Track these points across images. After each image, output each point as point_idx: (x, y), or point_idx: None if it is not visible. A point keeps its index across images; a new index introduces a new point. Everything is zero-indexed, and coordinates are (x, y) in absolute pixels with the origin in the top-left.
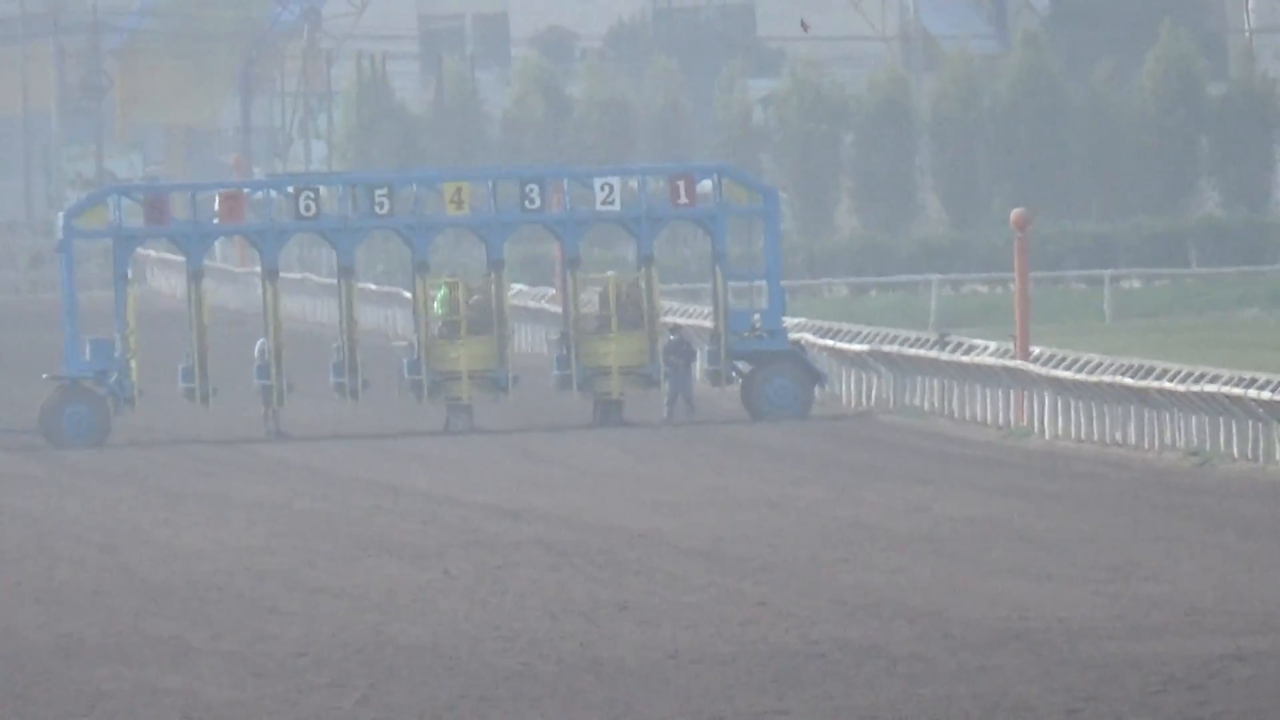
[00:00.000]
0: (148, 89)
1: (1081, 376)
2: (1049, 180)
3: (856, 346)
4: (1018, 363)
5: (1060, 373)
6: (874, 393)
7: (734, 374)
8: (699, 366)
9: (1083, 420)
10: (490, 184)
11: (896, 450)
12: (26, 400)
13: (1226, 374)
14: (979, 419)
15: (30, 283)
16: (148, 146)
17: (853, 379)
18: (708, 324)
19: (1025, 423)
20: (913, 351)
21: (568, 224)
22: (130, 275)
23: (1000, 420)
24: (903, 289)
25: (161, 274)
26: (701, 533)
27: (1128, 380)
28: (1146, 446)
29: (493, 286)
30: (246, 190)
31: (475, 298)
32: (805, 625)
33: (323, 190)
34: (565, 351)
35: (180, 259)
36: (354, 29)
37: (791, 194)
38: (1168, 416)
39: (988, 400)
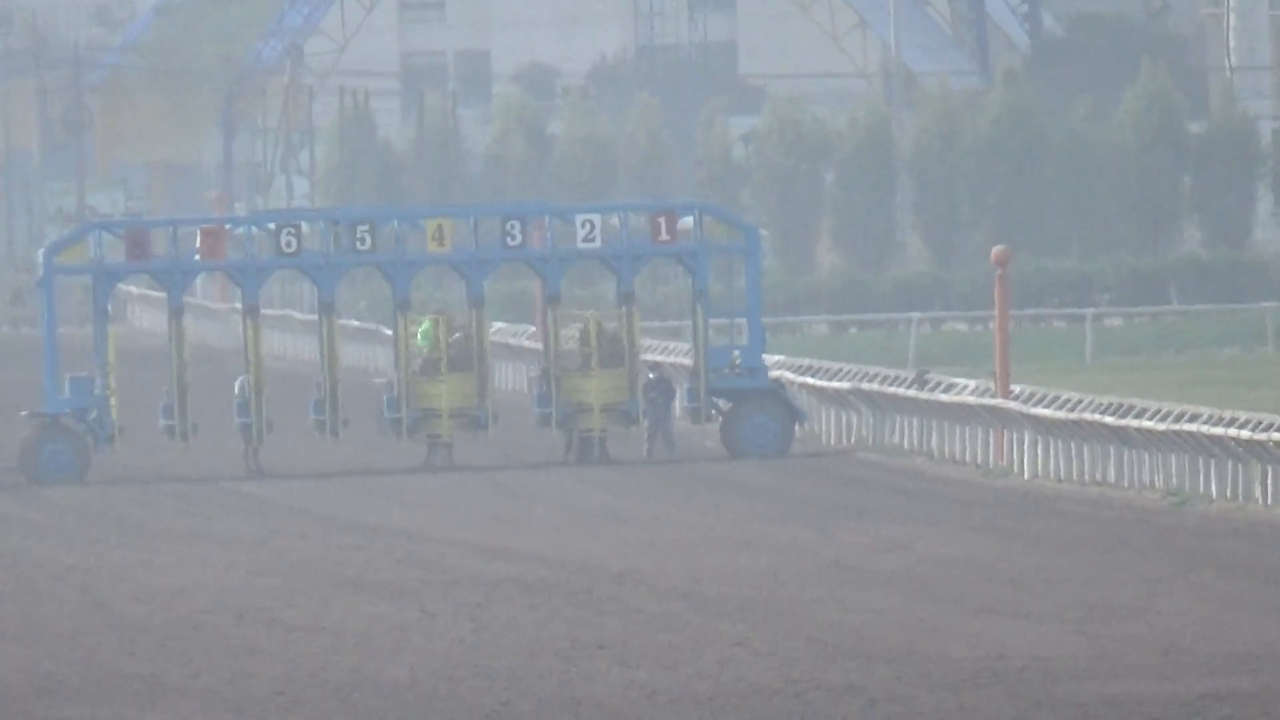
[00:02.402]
0: (129, 125)
1: (1061, 415)
2: (1030, 218)
3: (836, 384)
4: (998, 401)
5: (1040, 411)
6: (854, 431)
7: (714, 412)
8: (679, 404)
9: (1062, 459)
10: (472, 221)
11: (876, 489)
12: (5, 437)
13: (1206, 413)
14: (959, 458)
15: (11, 319)
16: (129, 183)
17: (833, 417)
18: (688, 361)
19: (1005, 462)
20: (893, 390)
21: (549, 261)
22: (111, 312)
23: (980, 459)
24: (883, 327)
25: (142, 311)
26: (680, 572)
27: (1107, 419)
28: (1126, 486)
29: (473, 324)
30: (228, 226)
31: (457, 335)
32: (784, 665)
33: (304, 227)
34: (546, 389)
35: (161, 295)
36: (336, 66)
37: (772, 231)
38: (1147, 456)
39: (967, 439)
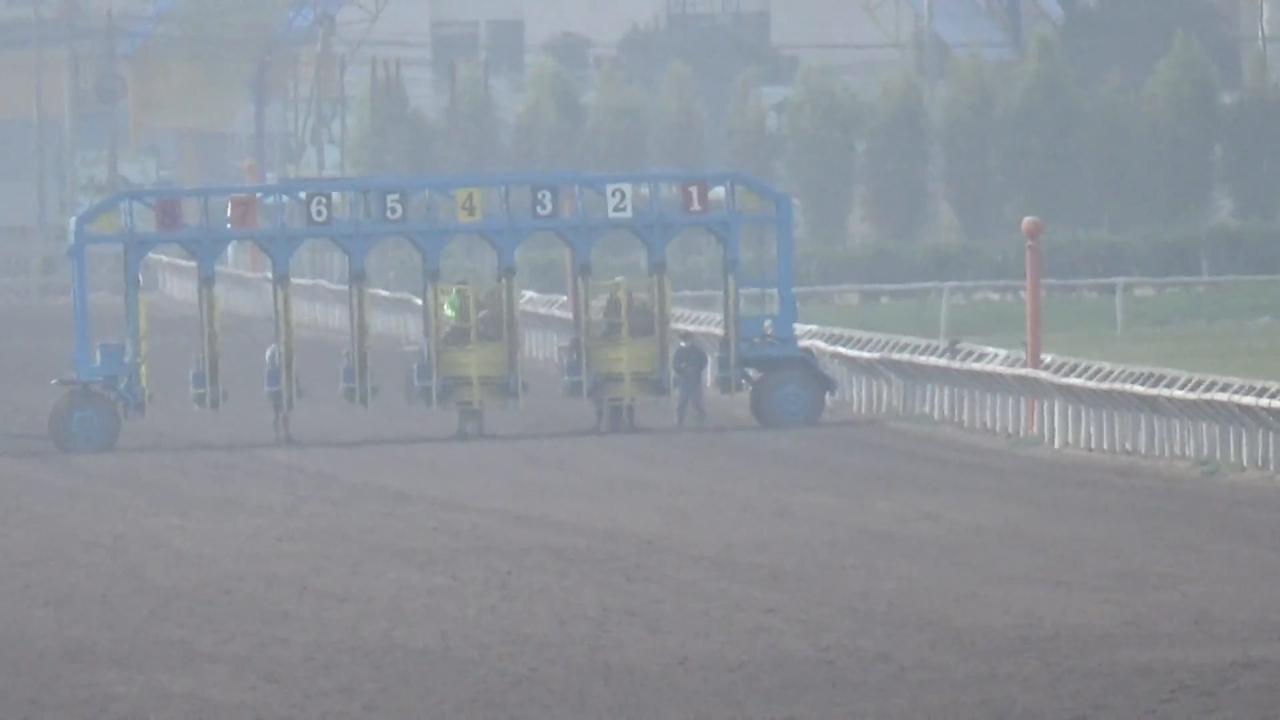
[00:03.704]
0: (161, 94)
1: (1092, 385)
2: (1061, 188)
3: (867, 354)
4: (1028, 371)
5: (1071, 381)
6: (884, 400)
7: (744, 381)
8: (709, 373)
9: (1093, 429)
10: (503, 190)
11: (906, 458)
12: (36, 405)
13: (1237, 383)
14: (989, 427)
15: (42, 287)
16: (161, 151)
17: (863, 386)
18: (719, 331)
19: (1035, 431)
20: (923, 359)
21: (580, 230)
22: (142, 280)
23: (1010, 428)
24: (914, 296)
25: (174, 279)
26: (711, 539)
27: (1138, 389)
28: (1156, 455)
29: (504, 293)
30: (259, 195)
31: (484, 313)
32: (814, 632)
33: (335, 196)
34: (576, 358)
35: (192, 264)
36: (368, 35)
37: (804, 201)
38: (1178, 425)
39: (998, 408)
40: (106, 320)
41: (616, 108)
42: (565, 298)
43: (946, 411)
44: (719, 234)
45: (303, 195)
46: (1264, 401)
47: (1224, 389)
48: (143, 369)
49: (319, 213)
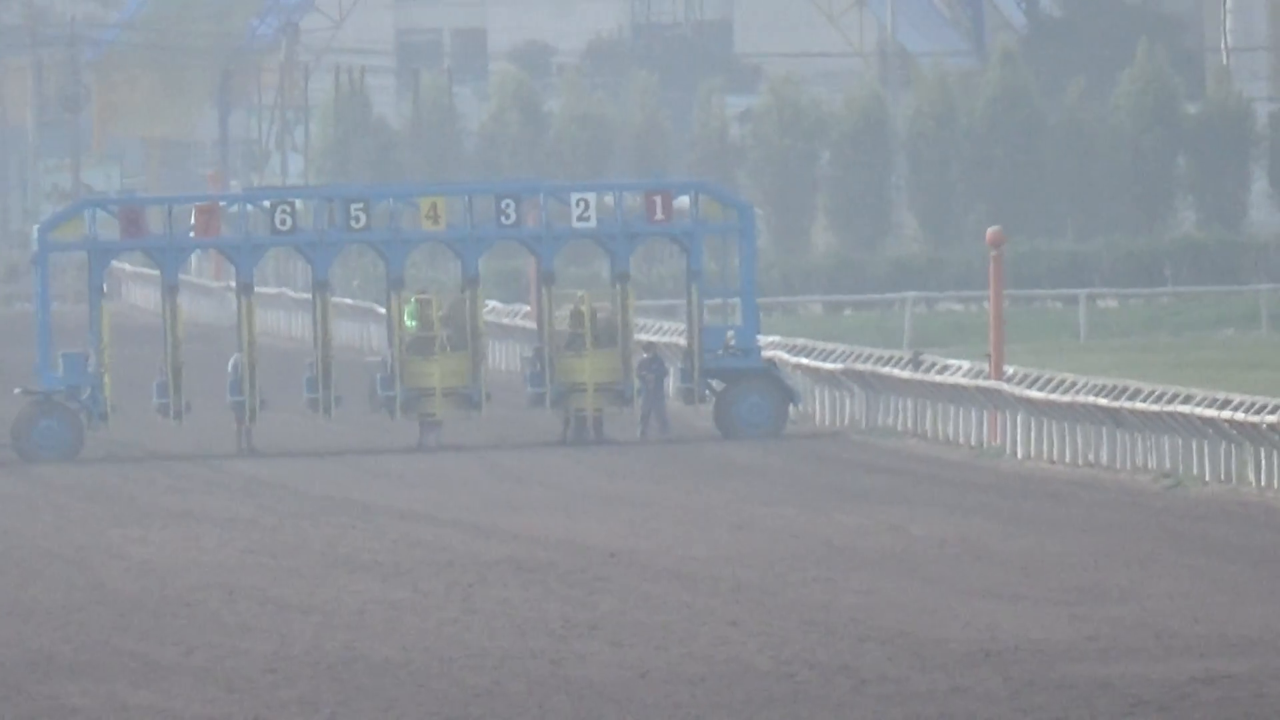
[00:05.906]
0: (125, 102)
1: (1055, 397)
2: (1025, 199)
3: (830, 365)
4: (991, 382)
5: (1034, 393)
6: (847, 412)
7: (707, 392)
8: (672, 384)
9: (1056, 441)
10: (466, 199)
11: (869, 470)
12: None
13: (1200, 395)
14: (952, 439)
15: (5, 296)
16: (125, 159)
17: (826, 398)
18: (682, 341)
19: (998, 443)
20: (886, 370)
21: (543, 240)
22: (105, 289)
23: (973, 440)
24: (878, 307)
25: (137, 288)
26: (673, 552)
27: (1101, 401)
28: (1119, 467)
29: (467, 302)
30: (222, 204)
31: (443, 312)
32: (776, 645)
33: (299, 204)
34: (539, 368)
35: (156, 273)
36: (332, 43)
37: (768, 211)
38: (1140, 438)
39: (961, 420)
40: (70, 329)
41: (581, 116)
42: (529, 307)
43: (910, 423)
44: (683, 244)
45: (267, 204)
46: (1227, 414)
47: (1186, 401)
48: (106, 379)
49: (283, 221)
